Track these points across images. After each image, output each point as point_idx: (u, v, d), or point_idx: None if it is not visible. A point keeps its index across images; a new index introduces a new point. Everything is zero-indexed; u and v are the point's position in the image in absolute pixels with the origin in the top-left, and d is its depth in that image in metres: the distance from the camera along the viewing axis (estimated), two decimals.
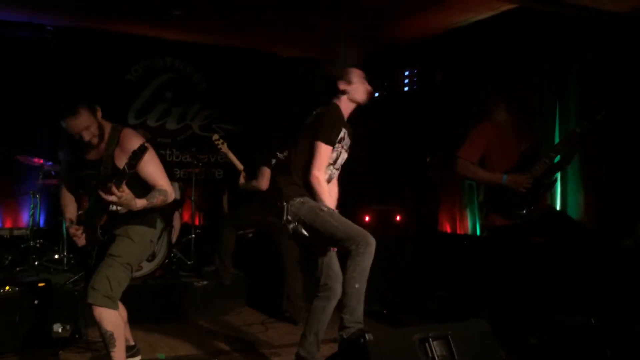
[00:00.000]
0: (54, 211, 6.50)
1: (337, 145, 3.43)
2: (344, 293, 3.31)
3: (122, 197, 3.00)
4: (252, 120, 7.09)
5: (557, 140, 5.09)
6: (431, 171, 6.35)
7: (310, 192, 3.39)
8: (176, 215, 5.97)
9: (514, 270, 4.19)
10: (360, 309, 3.29)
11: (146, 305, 4.84)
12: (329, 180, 3.54)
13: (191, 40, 7.02)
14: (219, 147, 5.44)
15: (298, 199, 3.38)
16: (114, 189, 2.95)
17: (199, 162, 6.57)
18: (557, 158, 4.21)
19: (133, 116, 7.07)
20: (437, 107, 6.20)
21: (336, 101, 3.53)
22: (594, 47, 4.73)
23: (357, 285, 3.25)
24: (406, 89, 6.51)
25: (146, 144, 2.98)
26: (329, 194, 3.45)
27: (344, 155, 3.57)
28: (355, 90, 3.53)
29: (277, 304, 5.04)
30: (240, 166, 5.28)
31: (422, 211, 6.13)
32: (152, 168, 3.25)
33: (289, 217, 3.39)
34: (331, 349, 3.56)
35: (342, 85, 3.52)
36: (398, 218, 5.64)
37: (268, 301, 5.27)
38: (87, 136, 3.19)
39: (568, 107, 5.05)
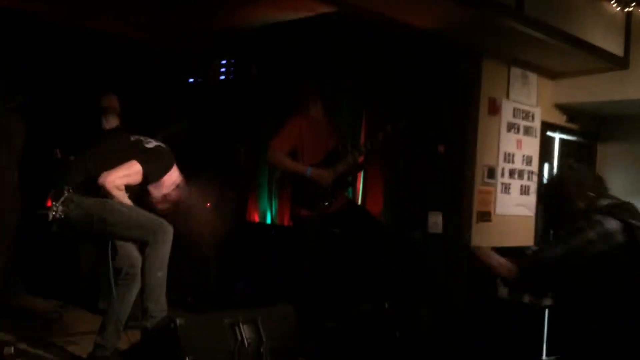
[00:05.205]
0: None
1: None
2: (145, 283, 3.25)
3: None
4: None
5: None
6: (243, 161, 6.42)
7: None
8: None
9: (317, 259, 4.45)
10: (163, 297, 3.27)
11: None
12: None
13: None
14: None
15: (82, 191, 3.25)
16: None
17: None
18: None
19: None
20: (253, 99, 6.29)
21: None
22: (400, 59, 5.13)
23: (159, 274, 3.24)
24: (222, 77, 6.49)
25: None
26: None
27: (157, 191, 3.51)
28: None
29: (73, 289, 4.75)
30: None
31: (231, 200, 6.17)
32: None
33: (60, 208, 3.21)
34: (136, 336, 3.44)
35: None
36: (207, 206, 5.62)
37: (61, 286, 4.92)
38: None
39: (374, 112, 5.44)
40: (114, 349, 3.32)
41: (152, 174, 3.36)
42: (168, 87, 6.76)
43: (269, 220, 6.03)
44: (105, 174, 3.21)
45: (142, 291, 3.30)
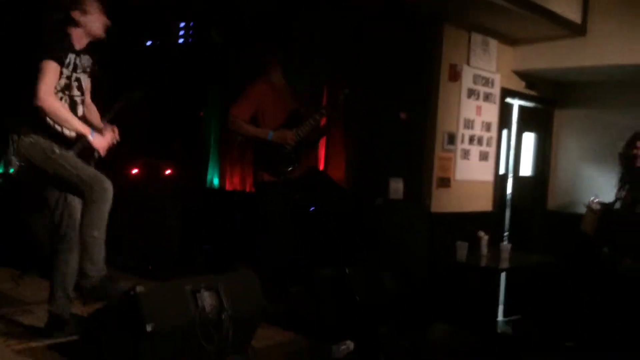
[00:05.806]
0: None
1: (65, 69, 3.07)
2: (81, 243, 3.10)
3: None
4: None
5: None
6: (204, 126, 6.33)
7: (43, 119, 3.02)
8: None
9: (280, 224, 4.45)
10: (101, 257, 3.11)
11: None
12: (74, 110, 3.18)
13: None
14: None
15: (28, 139, 3.05)
16: None
17: None
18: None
19: None
20: (215, 63, 6.17)
21: (68, 30, 3.13)
22: (362, 26, 5.06)
23: (95, 234, 3.06)
24: (181, 41, 6.34)
25: None
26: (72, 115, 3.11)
27: (84, 83, 3.23)
28: (91, 22, 3.16)
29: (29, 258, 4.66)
30: None
31: (192, 166, 6.10)
32: None
33: (15, 157, 3.06)
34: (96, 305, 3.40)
35: (76, 15, 3.12)
36: (168, 172, 5.56)
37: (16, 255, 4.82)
38: None
39: (335, 81, 5.39)
40: (69, 315, 3.28)
41: (59, 59, 3.04)
42: (125, 51, 6.59)
43: (216, 185, 5.96)
44: (35, 95, 2.92)
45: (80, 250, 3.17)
